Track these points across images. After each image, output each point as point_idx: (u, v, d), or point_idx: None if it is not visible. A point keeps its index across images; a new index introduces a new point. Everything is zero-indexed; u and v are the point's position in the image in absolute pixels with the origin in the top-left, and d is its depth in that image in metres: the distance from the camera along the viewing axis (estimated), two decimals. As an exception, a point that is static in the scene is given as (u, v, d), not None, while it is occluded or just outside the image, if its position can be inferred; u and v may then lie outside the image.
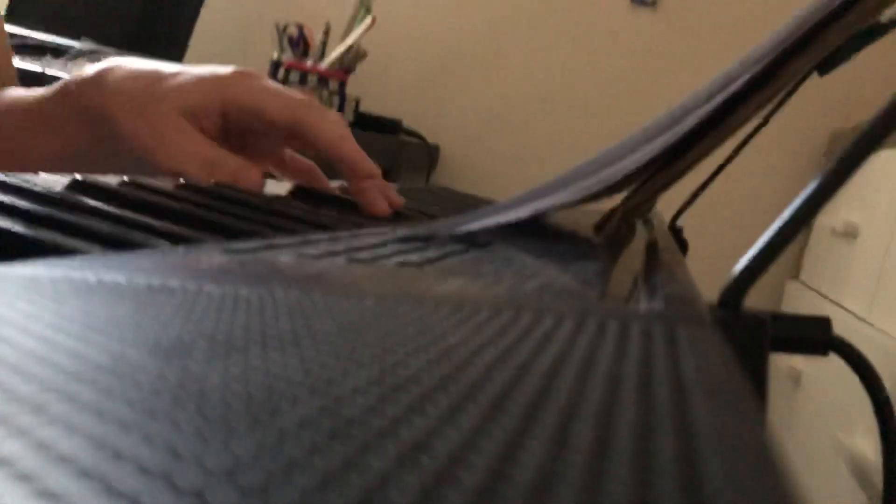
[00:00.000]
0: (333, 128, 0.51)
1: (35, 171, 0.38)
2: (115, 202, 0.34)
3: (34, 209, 0.28)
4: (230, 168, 0.48)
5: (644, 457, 0.09)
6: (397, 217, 0.48)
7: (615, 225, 0.42)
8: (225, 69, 0.52)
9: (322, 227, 0.36)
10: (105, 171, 0.42)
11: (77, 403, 0.09)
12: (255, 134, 0.53)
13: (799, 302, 1.62)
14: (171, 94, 0.49)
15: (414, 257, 0.26)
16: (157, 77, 0.50)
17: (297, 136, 0.51)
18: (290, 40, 1.66)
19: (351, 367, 0.12)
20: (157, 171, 0.48)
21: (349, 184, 0.51)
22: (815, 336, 0.23)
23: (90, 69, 0.51)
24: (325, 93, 1.62)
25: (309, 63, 1.64)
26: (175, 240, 0.27)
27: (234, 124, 0.51)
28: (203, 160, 0.48)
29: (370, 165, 0.51)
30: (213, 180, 0.46)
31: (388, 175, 1.68)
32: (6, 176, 0.33)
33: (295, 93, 0.52)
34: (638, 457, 0.09)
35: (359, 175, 0.50)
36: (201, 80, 0.50)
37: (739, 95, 0.33)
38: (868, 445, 1.00)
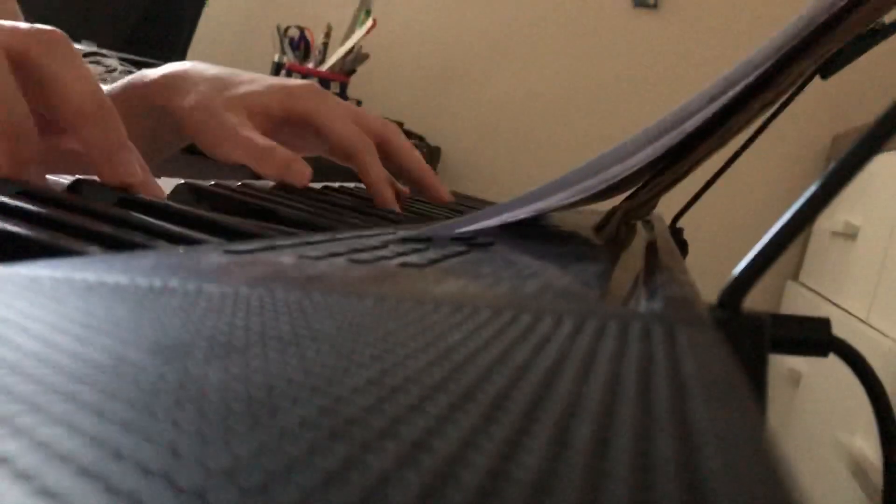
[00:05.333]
0: (379, 171, 0.56)
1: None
2: (115, 203, 0.34)
3: (35, 210, 0.28)
4: (279, 159, 0.51)
5: (643, 457, 0.09)
6: (397, 219, 0.48)
7: (615, 226, 0.42)
8: (295, 82, 0.57)
9: (323, 229, 0.36)
10: (155, 161, 0.45)
11: (77, 403, 0.09)
12: (304, 141, 0.59)
13: (798, 303, 1.62)
14: (238, 95, 0.54)
15: (415, 258, 0.26)
16: (229, 81, 0.56)
17: (350, 161, 0.57)
18: (291, 42, 1.66)
19: (351, 367, 0.12)
20: (214, 157, 0.53)
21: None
22: (814, 337, 0.23)
23: (158, 71, 0.57)
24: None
25: (310, 65, 1.64)
26: (175, 240, 0.27)
27: (290, 131, 0.57)
28: (255, 149, 0.52)
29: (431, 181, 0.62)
30: (263, 171, 0.51)
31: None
32: (6, 177, 0.34)
33: (364, 120, 0.59)
34: (637, 457, 0.09)
35: (428, 187, 0.62)
36: (270, 87, 0.55)
37: (741, 98, 0.33)
38: (868, 446, 1.00)
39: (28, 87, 0.35)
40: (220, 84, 0.55)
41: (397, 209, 0.54)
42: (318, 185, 0.60)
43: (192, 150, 0.59)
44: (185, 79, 0.55)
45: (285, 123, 0.56)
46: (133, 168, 0.36)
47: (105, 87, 0.56)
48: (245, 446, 0.08)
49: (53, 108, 0.36)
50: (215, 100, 0.54)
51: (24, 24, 0.36)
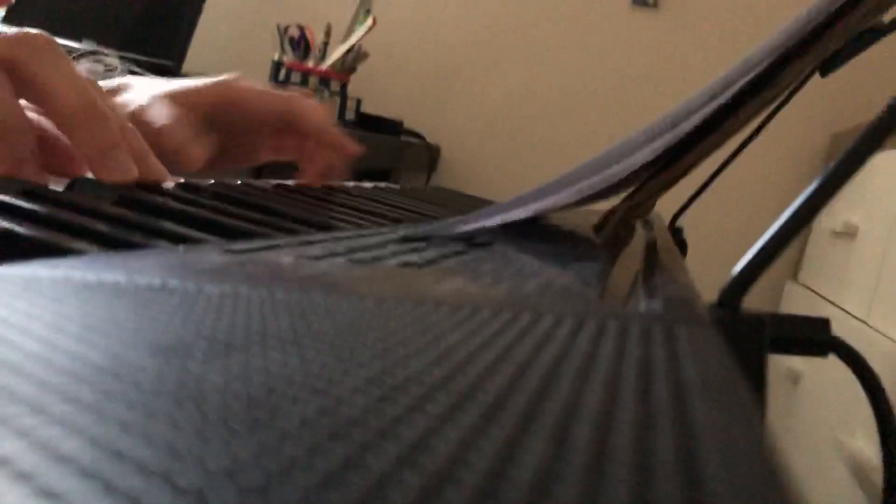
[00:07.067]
0: (321, 113, 0.56)
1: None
2: (114, 202, 0.34)
3: (34, 210, 0.28)
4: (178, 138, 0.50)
5: (643, 457, 0.09)
6: (397, 218, 0.48)
7: (614, 225, 0.42)
8: (217, 76, 0.55)
9: (322, 228, 0.36)
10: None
11: (77, 403, 0.09)
12: (242, 133, 0.56)
13: (798, 302, 1.62)
14: (160, 90, 0.53)
15: (414, 258, 0.26)
16: (160, 83, 0.55)
17: (286, 125, 0.55)
18: (292, 41, 1.66)
19: (351, 367, 0.12)
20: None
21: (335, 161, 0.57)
22: (814, 337, 0.23)
23: (112, 83, 0.56)
24: (327, 93, 1.62)
25: (310, 64, 1.64)
26: (175, 240, 0.27)
27: (223, 123, 0.54)
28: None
29: (354, 145, 0.57)
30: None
31: (389, 175, 1.67)
32: (5, 177, 0.34)
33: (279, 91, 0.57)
34: (637, 457, 0.09)
35: (347, 153, 0.57)
36: (190, 85, 0.54)
37: (740, 96, 0.33)
38: (867, 446, 1.00)
39: (20, 92, 0.35)
40: (151, 85, 0.54)
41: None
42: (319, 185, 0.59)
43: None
44: (129, 86, 0.55)
45: (212, 110, 0.54)
46: (127, 165, 0.36)
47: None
48: (245, 447, 0.08)
49: (45, 112, 0.36)
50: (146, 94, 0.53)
51: (9, 31, 0.36)
